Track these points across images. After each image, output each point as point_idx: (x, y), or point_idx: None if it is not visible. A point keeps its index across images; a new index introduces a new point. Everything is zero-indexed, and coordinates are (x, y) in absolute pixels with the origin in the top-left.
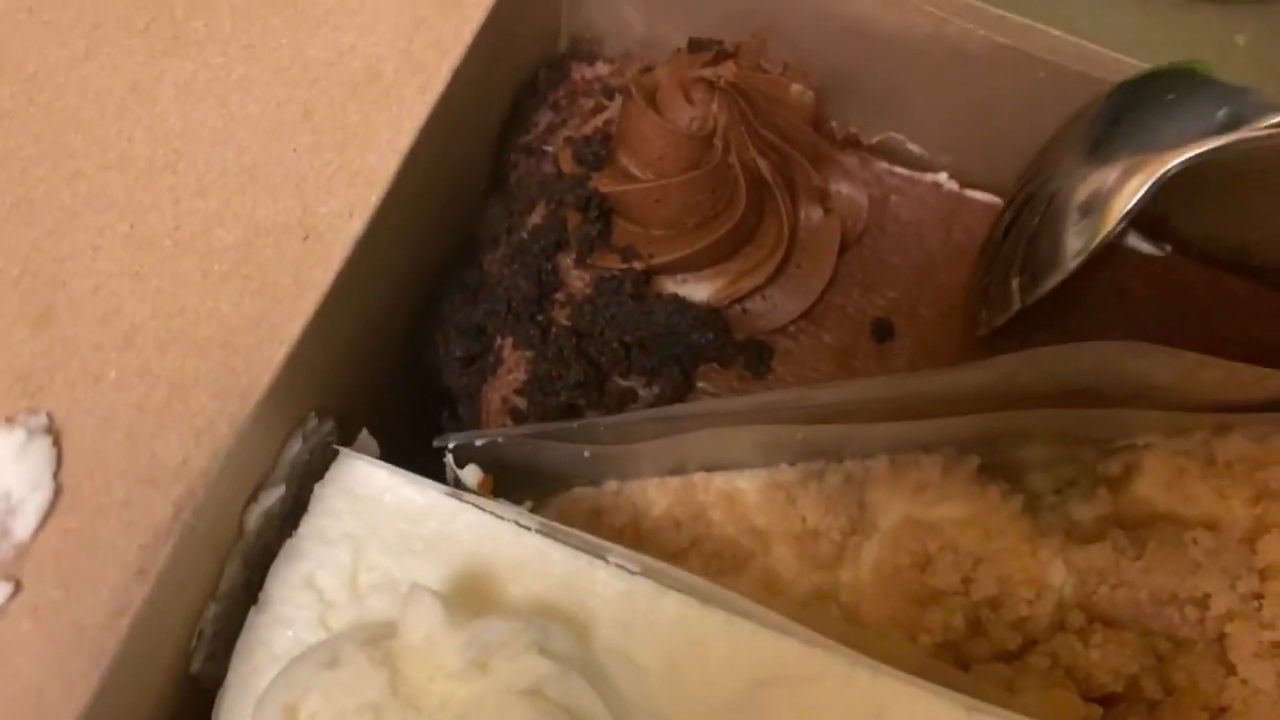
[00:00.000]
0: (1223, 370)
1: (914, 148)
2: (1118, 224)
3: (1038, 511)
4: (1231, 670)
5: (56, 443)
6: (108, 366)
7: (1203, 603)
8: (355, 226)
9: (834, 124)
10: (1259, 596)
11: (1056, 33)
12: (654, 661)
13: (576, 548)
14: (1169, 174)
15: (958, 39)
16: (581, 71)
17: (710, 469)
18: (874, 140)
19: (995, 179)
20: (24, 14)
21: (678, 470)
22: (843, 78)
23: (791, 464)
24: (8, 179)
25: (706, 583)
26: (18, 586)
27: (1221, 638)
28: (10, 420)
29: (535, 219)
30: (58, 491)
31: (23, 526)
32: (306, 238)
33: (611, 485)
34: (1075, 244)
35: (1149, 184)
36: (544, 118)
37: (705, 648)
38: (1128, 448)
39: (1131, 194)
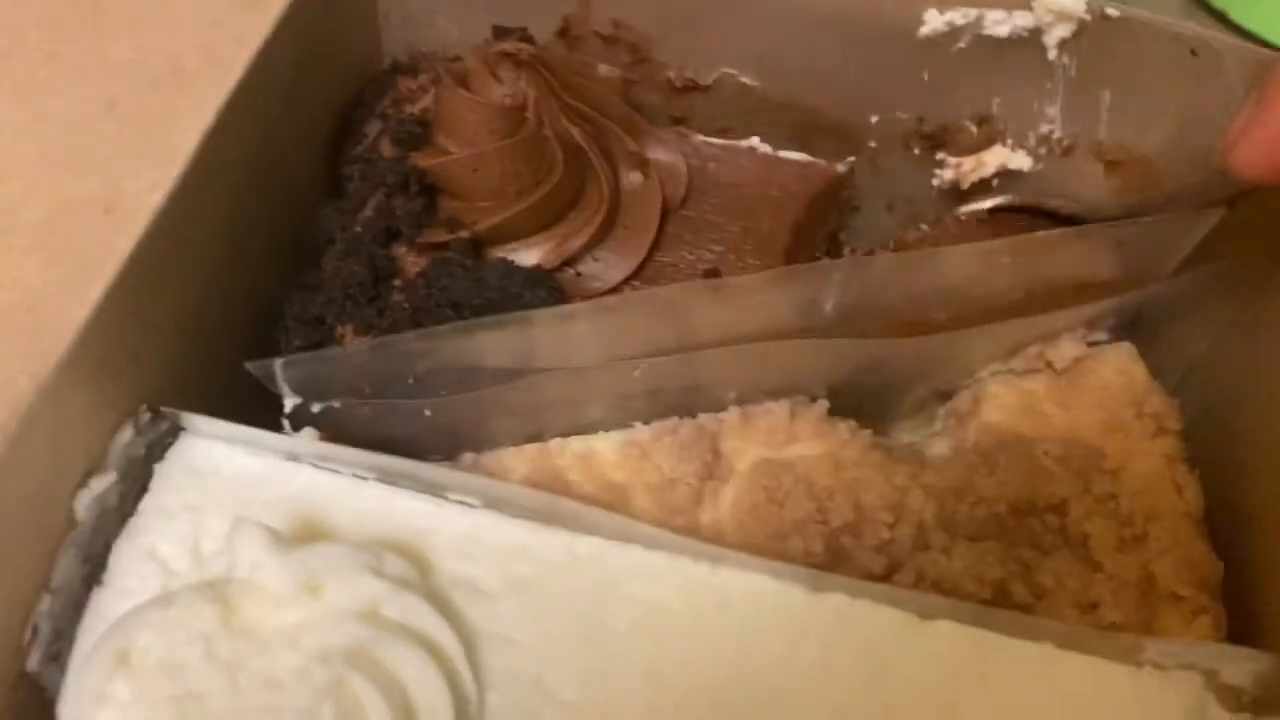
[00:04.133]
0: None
1: (747, 80)
2: None
3: (890, 448)
4: (1098, 568)
5: None
6: None
7: (1061, 509)
8: (156, 199)
9: (671, 72)
10: (1114, 496)
11: None
12: (499, 587)
13: (417, 490)
14: None
15: None
16: (405, 83)
17: (566, 434)
18: (710, 80)
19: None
20: None
21: (534, 438)
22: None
23: (645, 423)
24: None
25: (551, 498)
26: None
27: (1084, 539)
28: None
29: (367, 213)
30: None
31: None
32: (109, 211)
33: (468, 458)
34: None
35: None
36: (373, 127)
37: (550, 565)
38: (974, 382)
39: None
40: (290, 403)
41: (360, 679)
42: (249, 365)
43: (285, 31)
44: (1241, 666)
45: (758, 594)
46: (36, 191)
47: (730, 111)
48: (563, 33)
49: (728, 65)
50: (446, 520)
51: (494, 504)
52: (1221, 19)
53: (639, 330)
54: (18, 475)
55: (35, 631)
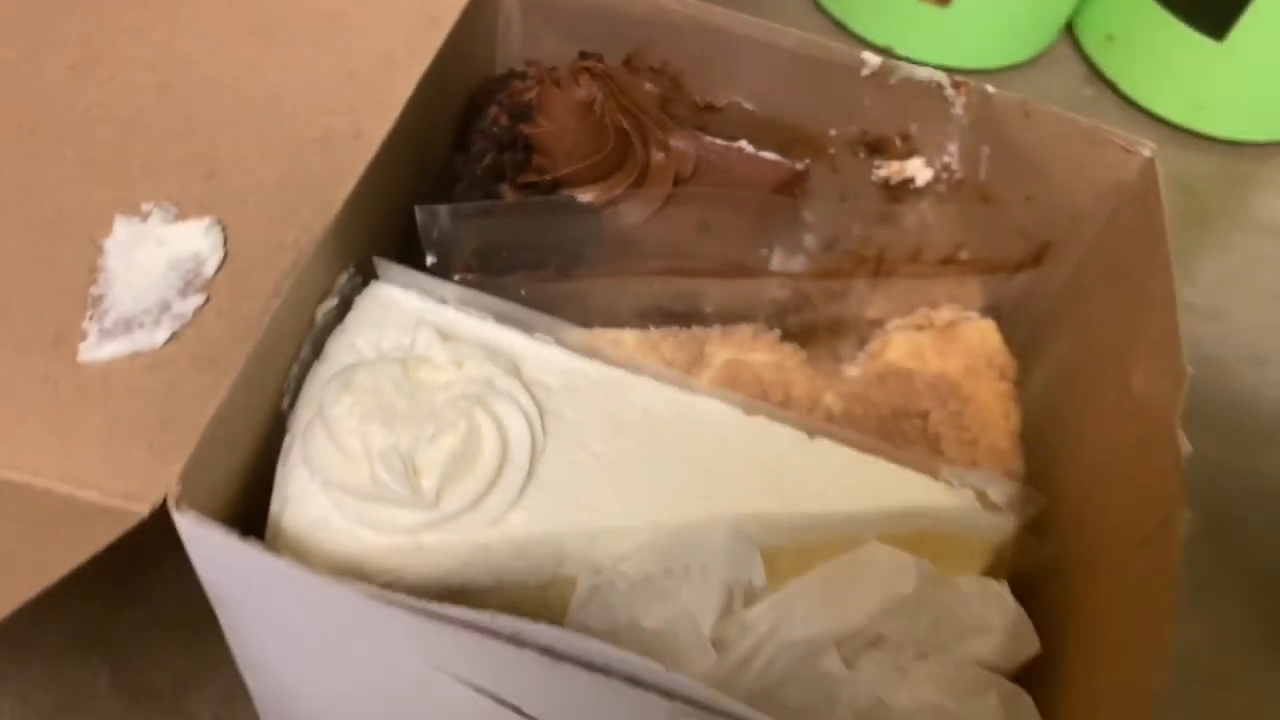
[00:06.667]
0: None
1: (749, 106)
2: None
3: (819, 366)
4: (941, 455)
5: (224, 230)
6: (253, 192)
7: (924, 416)
8: (381, 135)
9: (697, 96)
10: (961, 413)
11: None
12: (558, 387)
13: (516, 329)
14: None
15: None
16: (517, 83)
17: (605, 326)
18: (722, 104)
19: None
20: None
21: (585, 324)
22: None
23: (657, 327)
24: None
25: (595, 347)
26: (208, 299)
27: (937, 438)
28: (199, 216)
29: (485, 162)
30: (227, 253)
31: (209, 269)
32: (356, 137)
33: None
34: None
35: None
36: (493, 110)
37: (589, 379)
38: (883, 332)
39: None
40: (430, 260)
41: (481, 413)
42: (419, 210)
43: (450, 40)
44: (1000, 489)
45: (714, 411)
46: (315, 123)
47: (733, 124)
48: (626, 62)
49: (735, 94)
50: (532, 348)
51: (560, 343)
52: (1114, 89)
53: (655, 258)
54: (297, 295)
55: (288, 386)
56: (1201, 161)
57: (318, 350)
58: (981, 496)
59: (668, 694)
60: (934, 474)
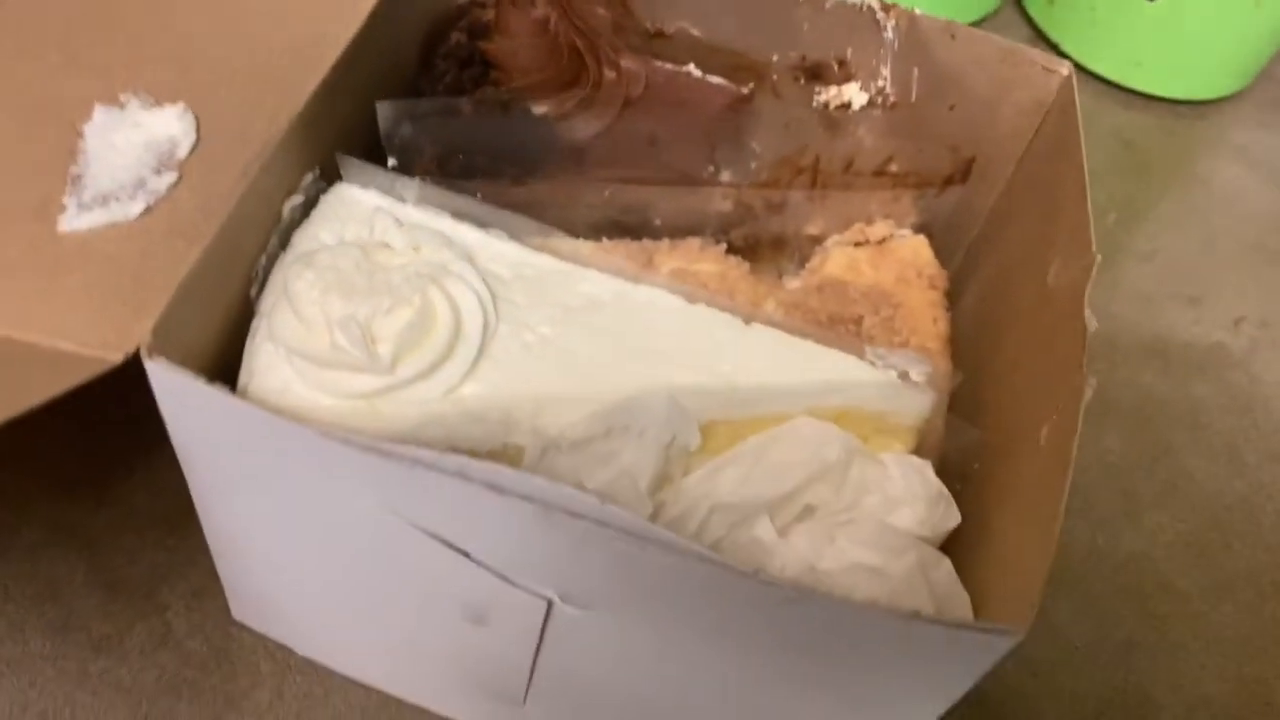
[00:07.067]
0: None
1: (696, 32)
2: None
3: (762, 277)
4: None
5: (197, 117)
6: (225, 85)
7: (858, 321)
8: (346, 39)
9: (647, 23)
10: (892, 318)
11: None
12: (510, 277)
13: (472, 224)
14: None
15: None
16: (477, 11)
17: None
18: (671, 30)
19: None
20: None
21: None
22: None
23: (610, 239)
24: None
25: (547, 241)
26: (180, 177)
27: (869, 341)
28: (174, 102)
29: (447, 79)
30: (199, 138)
31: (182, 151)
32: (325, 39)
33: None
34: None
35: None
36: (454, 35)
37: (539, 270)
38: (822, 249)
39: None
40: (391, 163)
41: (435, 290)
42: (380, 104)
43: None
44: (920, 369)
45: (657, 299)
46: (285, 25)
47: (681, 50)
48: None
49: (682, 21)
50: (486, 242)
51: (515, 238)
52: (1056, 50)
53: (607, 169)
54: (261, 186)
55: (256, 274)
56: (1141, 118)
57: (284, 243)
58: (903, 375)
59: (604, 524)
60: (859, 355)
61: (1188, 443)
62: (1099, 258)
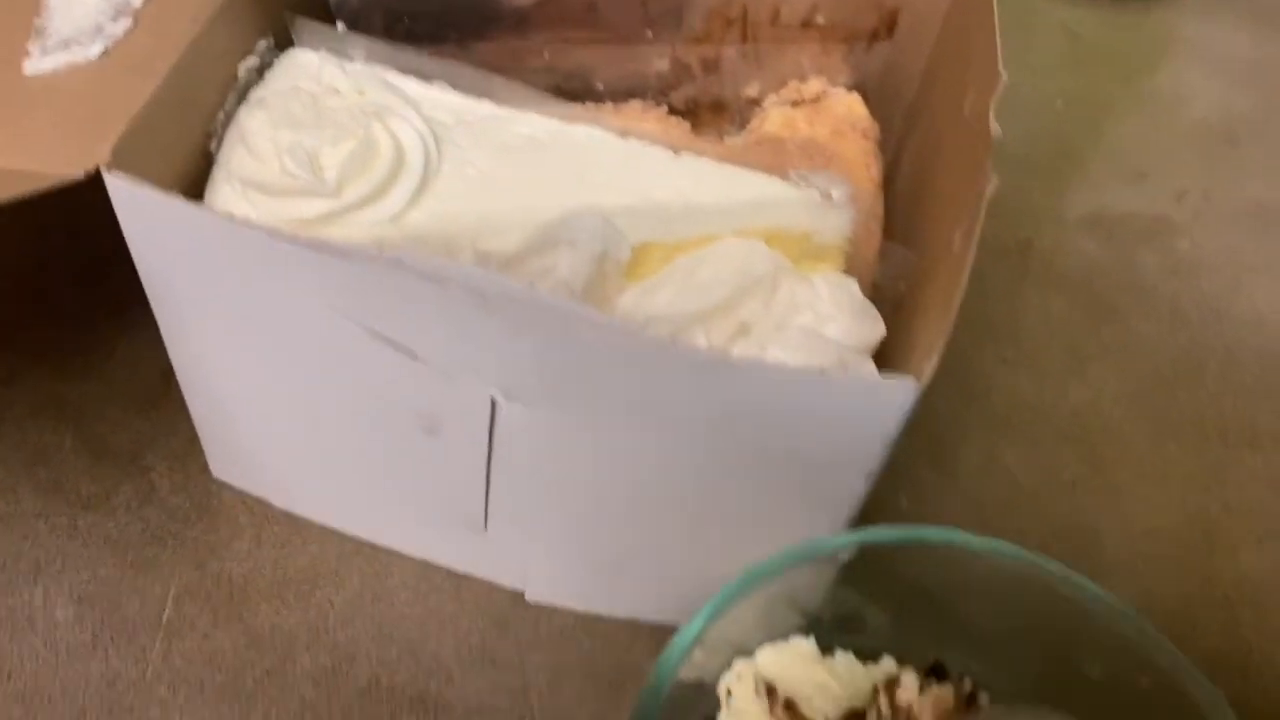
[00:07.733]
0: None
1: None
2: None
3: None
4: None
5: None
6: None
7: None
8: None
9: None
10: (827, 166)
11: None
12: (452, 122)
13: (420, 79)
14: None
15: None
16: None
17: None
18: None
19: None
20: None
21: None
22: None
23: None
24: None
25: (489, 87)
26: (136, 22)
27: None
28: None
29: None
30: None
31: (137, 1)
32: None
33: None
34: None
35: None
36: None
37: (480, 116)
38: (761, 110)
39: None
40: (340, 28)
41: (379, 126)
42: None
43: None
44: (841, 189)
45: (591, 136)
46: None
47: None
48: None
49: None
50: (430, 93)
51: (459, 88)
52: None
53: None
54: (216, 34)
55: (215, 130)
56: (1087, 12)
57: (241, 98)
58: (825, 195)
59: (534, 303)
60: (783, 176)
61: (1132, 304)
62: (1005, 77)
